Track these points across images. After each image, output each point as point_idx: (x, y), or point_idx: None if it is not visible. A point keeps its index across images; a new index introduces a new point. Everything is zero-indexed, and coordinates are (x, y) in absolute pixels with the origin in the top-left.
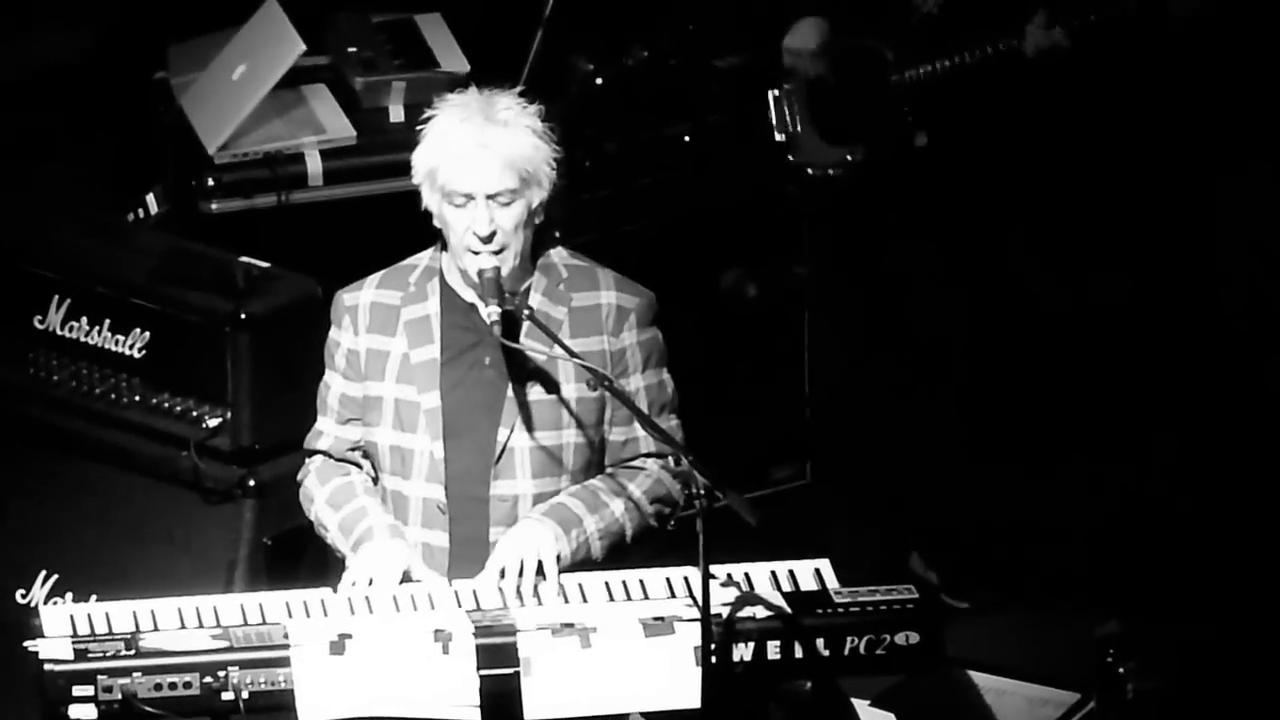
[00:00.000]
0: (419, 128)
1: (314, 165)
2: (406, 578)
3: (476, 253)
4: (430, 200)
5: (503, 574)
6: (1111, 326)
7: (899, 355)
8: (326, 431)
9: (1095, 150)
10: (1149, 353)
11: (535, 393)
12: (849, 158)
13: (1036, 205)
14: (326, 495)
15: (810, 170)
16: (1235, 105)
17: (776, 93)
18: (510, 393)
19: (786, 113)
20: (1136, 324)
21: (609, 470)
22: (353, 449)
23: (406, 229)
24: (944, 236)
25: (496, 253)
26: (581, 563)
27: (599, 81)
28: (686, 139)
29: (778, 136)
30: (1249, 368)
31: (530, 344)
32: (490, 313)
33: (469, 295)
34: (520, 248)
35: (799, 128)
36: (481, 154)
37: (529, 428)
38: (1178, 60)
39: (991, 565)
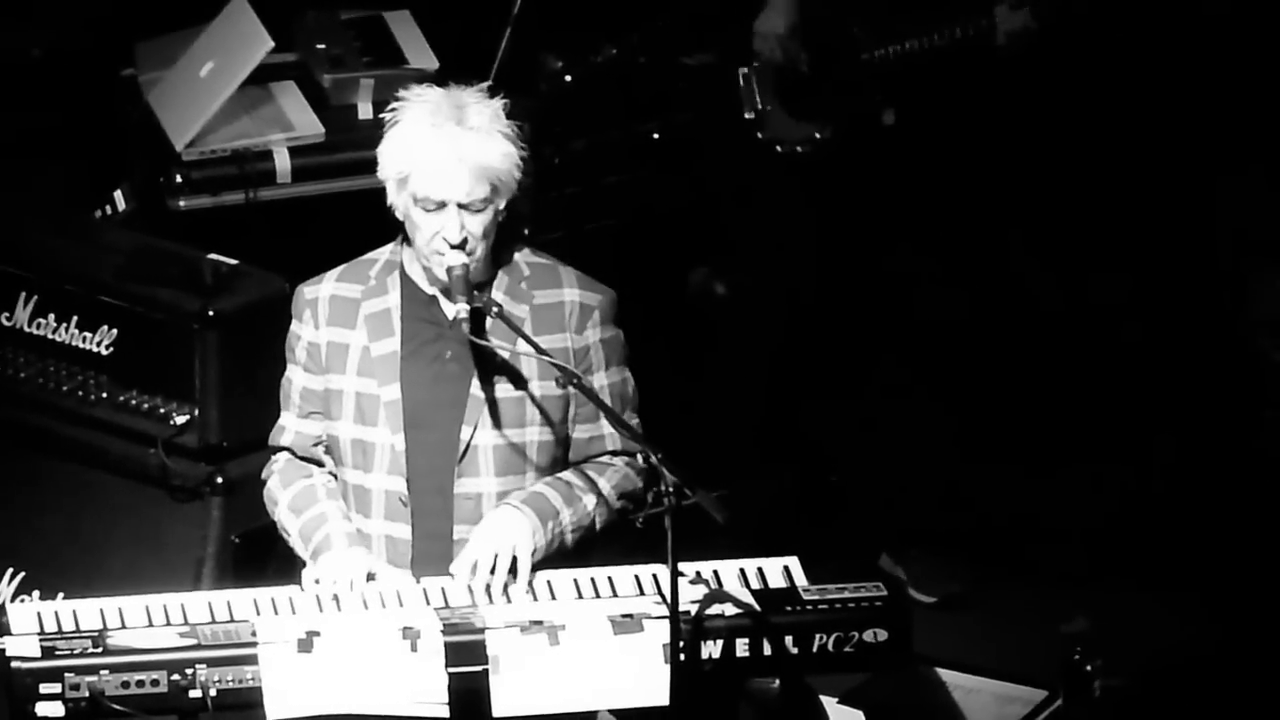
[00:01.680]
0: (384, 117)
1: (282, 162)
2: (370, 578)
3: (444, 254)
4: (398, 200)
5: (475, 568)
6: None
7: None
8: (289, 426)
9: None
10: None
11: (499, 390)
12: (817, 135)
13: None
14: (289, 500)
15: (779, 147)
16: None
17: (746, 70)
18: (474, 389)
19: (755, 90)
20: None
21: (578, 465)
22: (316, 444)
23: (375, 226)
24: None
25: (466, 254)
26: (552, 555)
27: (568, 79)
28: (655, 137)
29: (747, 114)
30: (1247, 369)
31: (498, 342)
32: (459, 309)
33: (430, 289)
34: (486, 249)
35: (768, 105)
36: (456, 165)
37: (493, 425)
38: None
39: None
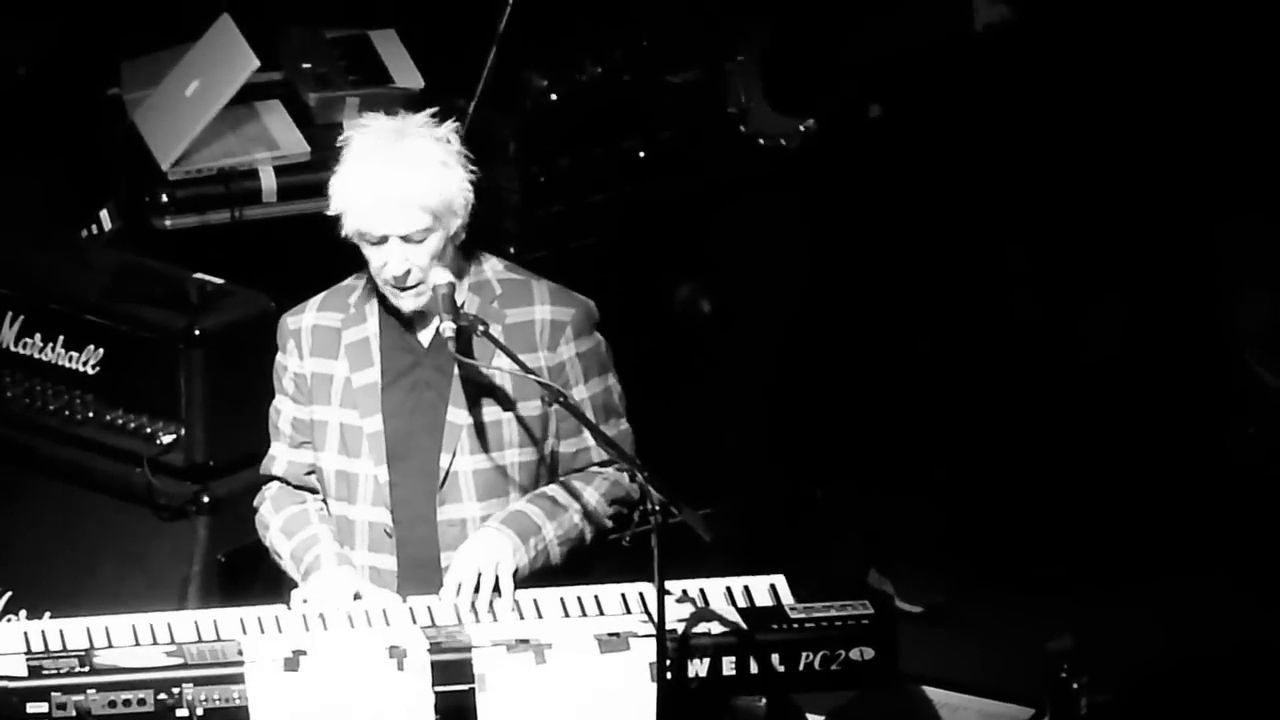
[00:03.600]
0: (337, 145)
1: (268, 181)
2: (357, 598)
3: (394, 286)
4: (349, 233)
5: (459, 589)
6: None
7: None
8: (280, 456)
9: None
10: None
11: (476, 414)
12: (801, 128)
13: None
14: (280, 523)
15: (762, 140)
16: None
17: (730, 65)
18: (450, 416)
19: (740, 85)
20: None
21: (565, 476)
22: (308, 473)
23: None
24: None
25: (416, 290)
26: (542, 569)
27: (553, 97)
28: (641, 154)
29: (730, 109)
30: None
31: (481, 360)
32: (445, 328)
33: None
34: (441, 272)
35: (752, 99)
36: (386, 202)
37: (471, 450)
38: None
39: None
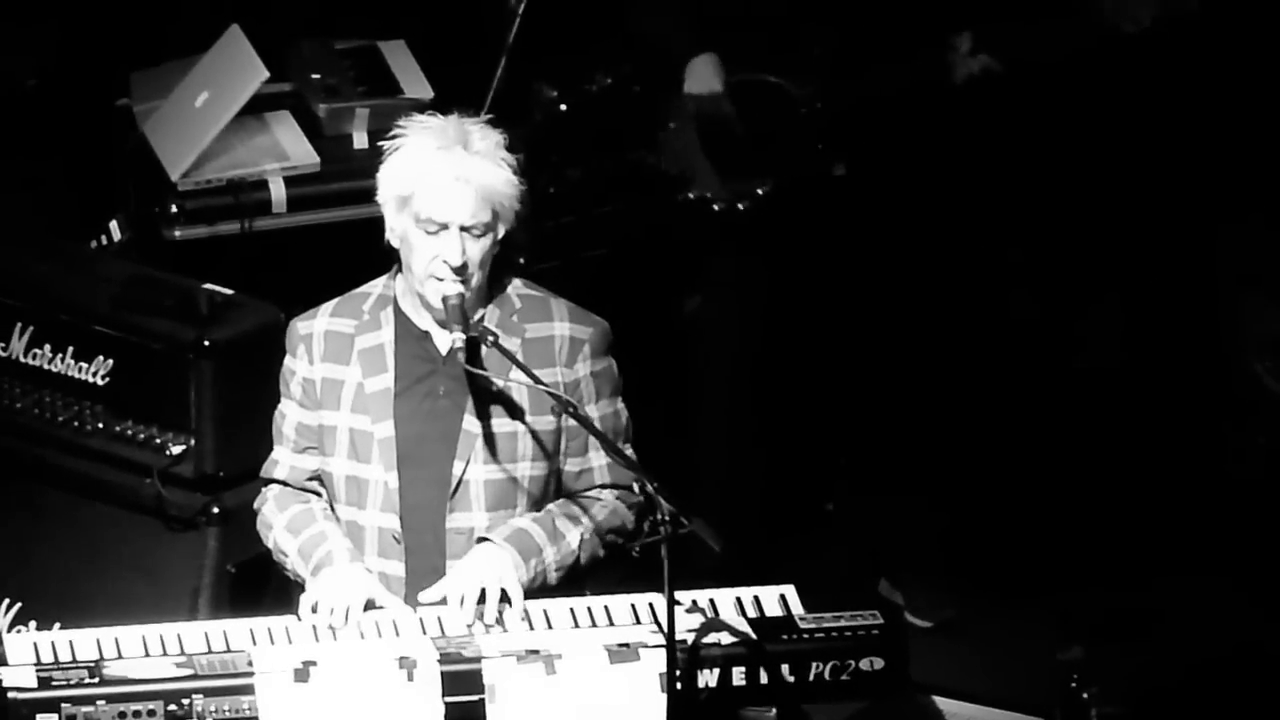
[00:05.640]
0: (384, 144)
1: (277, 192)
2: (370, 604)
3: (441, 279)
4: (397, 222)
5: (461, 601)
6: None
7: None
8: (283, 461)
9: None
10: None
11: (491, 424)
12: (759, 191)
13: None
14: (285, 521)
15: (715, 206)
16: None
17: (664, 133)
18: (466, 424)
19: (681, 150)
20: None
21: (566, 499)
22: (310, 478)
23: (370, 255)
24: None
25: (463, 281)
26: (535, 590)
27: (563, 108)
28: (650, 165)
29: (670, 172)
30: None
31: (493, 372)
32: (455, 339)
33: (424, 323)
34: (482, 279)
35: (694, 164)
36: (462, 187)
37: (485, 460)
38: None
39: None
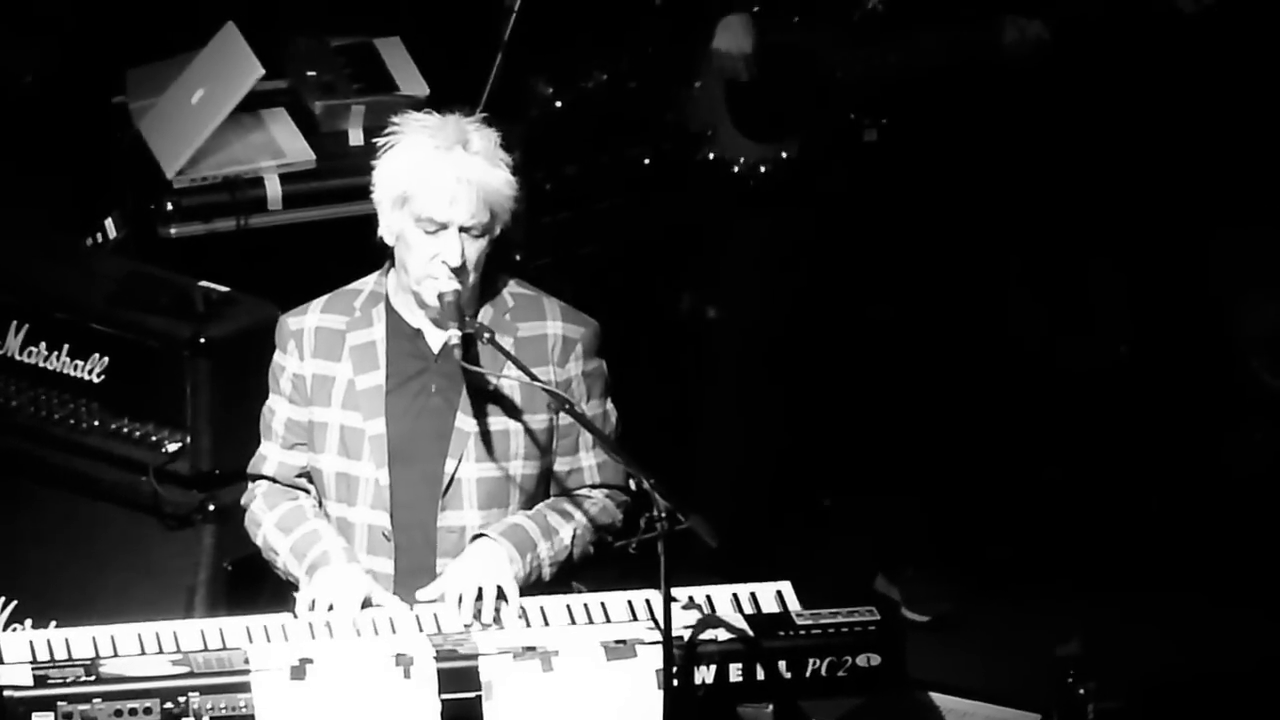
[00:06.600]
0: (379, 142)
1: (273, 189)
2: (367, 602)
3: (437, 278)
4: (393, 220)
5: (460, 600)
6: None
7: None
8: (271, 456)
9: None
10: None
11: (483, 423)
12: (783, 154)
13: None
14: (275, 519)
15: (735, 167)
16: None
17: (692, 90)
18: (458, 423)
19: (706, 108)
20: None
21: (557, 496)
22: (299, 475)
23: (366, 252)
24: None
25: (459, 280)
26: (530, 586)
27: (558, 104)
28: (646, 162)
29: (693, 130)
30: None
31: (488, 369)
32: (451, 336)
33: (415, 321)
34: (478, 278)
35: (717, 123)
36: (463, 188)
37: (477, 458)
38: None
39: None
